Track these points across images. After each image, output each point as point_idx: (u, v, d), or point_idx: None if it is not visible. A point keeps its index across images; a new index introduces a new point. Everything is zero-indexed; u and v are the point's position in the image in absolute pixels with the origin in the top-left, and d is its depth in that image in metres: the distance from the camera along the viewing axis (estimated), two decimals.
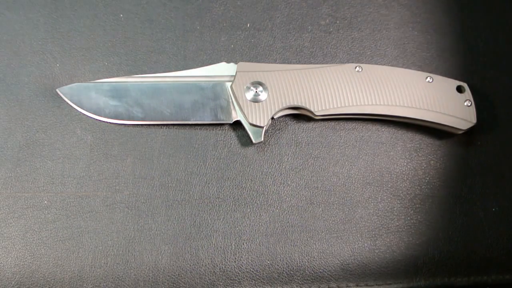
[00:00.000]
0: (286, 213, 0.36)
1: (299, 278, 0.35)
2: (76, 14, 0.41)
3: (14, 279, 0.35)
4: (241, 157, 0.37)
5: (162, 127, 0.38)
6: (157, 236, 0.35)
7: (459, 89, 0.37)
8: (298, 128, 0.38)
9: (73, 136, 0.37)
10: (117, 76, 0.39)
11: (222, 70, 0.38)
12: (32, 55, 0.39)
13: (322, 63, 0.40)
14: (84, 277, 0.35)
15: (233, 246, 0.36)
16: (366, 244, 0.36)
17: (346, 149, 0.38)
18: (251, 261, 0.35)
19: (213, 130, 0.38)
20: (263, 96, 0.37)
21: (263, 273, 0.35)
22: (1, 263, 0.35)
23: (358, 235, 0.36)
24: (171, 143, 0.38)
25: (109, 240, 0.35)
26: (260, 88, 0.37)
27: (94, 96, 0.38)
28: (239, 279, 0.35)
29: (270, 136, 0.38)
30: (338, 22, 0.41)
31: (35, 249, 0.35)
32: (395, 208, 0.37)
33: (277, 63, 0.40)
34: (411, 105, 0.37)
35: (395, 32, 0.41)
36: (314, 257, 0.35)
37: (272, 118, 0.37)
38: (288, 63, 0.40)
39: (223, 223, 0.36)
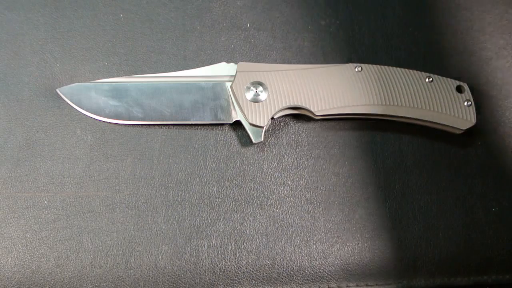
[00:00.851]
0: (286, 213, 0.36)
1: (299, 278, 0.35)
2: (76, 14, 0.41)
3: (14, 279, 0.35)
4: (241, 157, 0.37)
5: (162, 127, 0.38)
6: (157, 236, 0.35)
7: (459, 89, 0.38)
8: (298, 128, 0.38)
9: (73, 136, 0.37)
10: (117, 76, 0.39)
11: (222, 70, 0.38)
12: (32, 55, 0.39)
13: (322, 63, 0.40)
14: (84, 277, 0.35)
15: (233, 246, 0.36)
16: (366, 244, 0.36)
17: (346, 149, 0.38)
18: (251, 261, 0.35)
19: (213, 130, 0.38)
20: (263, 96, 0.37)
21: (263, 273, 0.35)
22: (1, 263, 0.35)
23: (358, 235, 0.36)
24: (171, 143, 0.38)
25: (109, 240, 0.35)
26: (260, 88, 0.37)
27: (94, 96, 0.38)
28: (239, 279, 0.35)
29: (270, 136, 0.38)
30: (338, 22, 0.41)
31: (35, 249, 0.35)
32: (395, 208, 0.37)
33: (277, 63, 0.40)
34: (411, 105, 0.37)
35: (395, 32, 0.41)
36: (314, 257, 0.35)
37: (272, 118, 0.37)
38: (288, 63, 0.40)
39: (223, 223, 0.36)
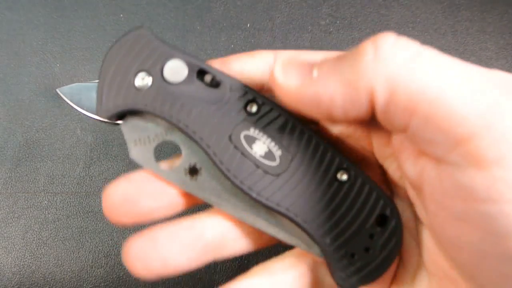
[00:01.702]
0: None
1: None
2: (76, 14, 0.41)
3: (14, 279, 0.35)
4: None
5: None
6: None
7: None
8: None
9: (73, 136, 0.38)
10: None
11: None
12: (32, 55, 0.39)
13: None
14: (84, 277, 0.35)
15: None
16: None
17: None
18: (251, 260, 0.35)
19: None
20: None
21: None
22: (1, 263, 0.35)
23: None
24: (171, 143, 0.38)
25: (109, 240, 0.35)
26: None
27: (94, 96, 0.38)
28: (239, 278, 0.35)
29: None
30: (338, 22, 0.41)
31: (35, 249, 0.35)
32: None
33: None
34: None
35: (395, 32, 0.41)
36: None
37: None
38: None
39: None
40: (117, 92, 0.22)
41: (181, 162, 0.22)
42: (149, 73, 0.22)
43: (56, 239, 0.35)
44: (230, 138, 0.22)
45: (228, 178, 0.22)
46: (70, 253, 0.35)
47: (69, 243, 0.35)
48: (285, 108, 0.21)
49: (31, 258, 0.35)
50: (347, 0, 0.42)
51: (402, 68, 0.18)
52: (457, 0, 0.42)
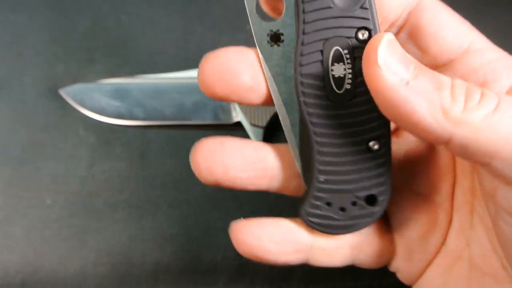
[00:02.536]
0: (287, 212, 0.37)
1: (299, 275, 0.36)
2: (78, 16, 0.41)
3: (18, 277, 0.35)
4: None
5: (163, 127, 0.38)
6: (159, 234, 0.36)
7: None
8: None
9: (76, 136, 0.38)
10: (119, 76, 0.39)
11: None
12: (35, 57, 0.40)
13: None
14: (87, 275, 0.35)
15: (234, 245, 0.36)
16: None
17: None
18: (251, 260, 0.36)
19: (213, 130, 0.38)
20: None
21: (264, 272, 0.36)
22: (4, 261, 0.35)
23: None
24: (173, 143, 0.38)
25: (111, 239, 0.36)
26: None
27: (96, 96, 0.38)
28: (239, 277, 0.35)
29: (270, 136, 0.38)
30: None
31: (38, 247, 0.36)
32: None
33: None
34: None
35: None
36: None
37: (272, 118, 0.37)
38: None
39: (224, 222, 0.36)
40: None
41: (274, 23, 0.22)
42: None
43: (59, 238, 0.36)
44: (325, 41, 0.21)
45: (292, 69, 0.22)
46: (73, 252, 0.35)
47: (71, 242, 0.36)
48: None
49: (34, 257, 0.35)
50: None
51: (487, 123, 0.19)
52: (453, 3, 0.43)
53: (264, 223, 0.24)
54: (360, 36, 0.21)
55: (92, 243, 0.36)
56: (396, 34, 0.23)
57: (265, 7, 0.24)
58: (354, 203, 0.23)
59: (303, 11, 0.21)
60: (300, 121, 0.23)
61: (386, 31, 0.23)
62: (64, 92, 0.38)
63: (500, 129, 0.19)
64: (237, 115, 0.38)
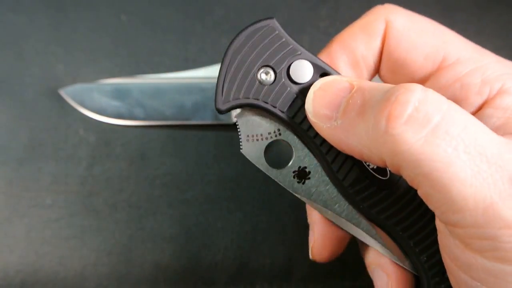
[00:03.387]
0: (287, 212, 0.37)
1: (299, 276, 0.36)
2: (78, 16, 0.41)
3: (18, 277, 0.35)
4: (241, 157, 0.38)
5: (164, 127, 0.38)
6: (159, 235, 0.36)
7: None
8: None
9: (76, 136, 0.38)
10: (119, 77, 0.39)
11: None
12: (35, 57, 0.40)
13: None
14: (87, 275, 0.35)
15: (234, 245, 0.36)
16: None
17: None
18: (251, 259, 0.36)
19: (213, 130, 0.38)
20: None
21: (263, 271, 0.36)
22: (5, 261, 0.35)
23: None
24: (172, 143, 0.38)
25: (111, 239, 0.36)
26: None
27: (96, 96, 0.38)
28: (239, 277, 0.36)
29: None
30: (337, 24, 0.42)
31: (39, 247, 0.36)
32: None
33: None
34: None
35: None
36: None
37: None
38: None
39: (224, 222, 0.36)
40: (240, 84, 0.22)
41: (291, 164, 0.23)
42: (274, 69, 0.21)
43: (59, 238, 0.36)
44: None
45: (340, 186, 0.22)
46: (73, 252, 0.35)
47: (72, 242, 0.36)
48: None
49: (34, 257, 0.35)
50: (346, 2, 0.42)
51: (412, 148, 0.18)
52: (454, 2, 0.43)
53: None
54: None
55: (92, 243, 0.36)
56: (380, 71, 0.24)
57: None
58: None
59: (314, 136, 0.21)
60: (371, 224, 0.23)
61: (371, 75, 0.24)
62: (64, 92, 0.38)
63: (424, 164, 0.18)
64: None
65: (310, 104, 0.20)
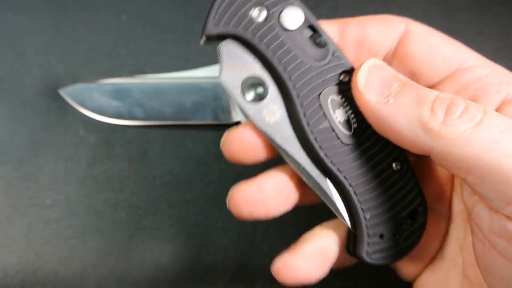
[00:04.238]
0: (286, 212, 0.37)
1: None
2: (78, 16, 0.41)
3: (17, 277, 0.35)
4: None
5: (163, 127, 0.38)
6: (159, 235, 0.36)
7: None
8: None
9: (76, 136, 0.38)
10: (119, 77, 0.39)
11: None
12: (35, 57, 0.40)
13: None
14: (87, 275, 0.35)
15: (234, 244, 0.36)
16: None
17: None
18: (252, 259, 0.36)
19: (214, 130, 0.39)
20: (263, 96, 0.37)
21: (263, 271, 0.36)
22: (4, 261, 0.35)
23: None
24: (172, 143, 0.38)
25: (111, 239, 0.36)
26: (261, 89, 0.37)
27: (96, 96, 0.38)
28: (239, 277, 0.36)
29: None
30: None
31: (38, 247, 0.36)
32: None
33: None
34: None
35: None
36: None
37: None
38: None
39: (224, 222, 0.36)
40: (232, 14, 0.23)
41: (263, 102, 0.25)
42: (268, 9, 0.23)
43: (59, 238, 0.36)
44: (319, 96, 0.23)
45: (303, 132, 0.23)
46: (73, 252, 0.35)
47: (71, 242, 0.36)
48: None
49: (34, 257, 0.35)
50: (345, 1, 0.42)
51: (462, 138, 0.19)
52: (454, 2, 0.43)
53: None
54: (344, 79, 0.23)
55: (92, 243, 0.36)
56: (389, 64, 0.25)
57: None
58: (401, 225, 0.24)
59: (289, 79, 0.23)
60: (325, 173, 0.24)
61: None
62: (64, 92, 0.38)
63: (475, 145, 0.19)
64: (237, 115, 0.38)
65: (364, 76, 0.22)
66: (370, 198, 0.24)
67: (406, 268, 0.27)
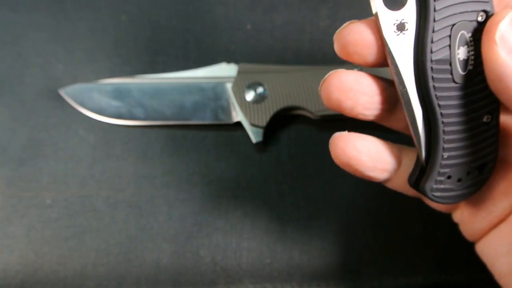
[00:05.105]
0: (286, 212, 0.37)
1: (298, 276, 0.36)
2: (78, 16, 0.41)
3: (17, 277, 0.35)
4: (241, 157, 0.38)
5: (164, 127, 0.38)
6: (158, 234, 0.36)
7: None
8: (298, 128, 0.39)
9: (76, 136, 0.38)
10: (119, 76, 0.39)
11: (222, 71, 0.39)
12: (35, 56, 0.40)
13: (322, 64, 0.40)
14: (87, 275, 0.35)
15: (234, 244, 0.36)
16: (364, 242, 0.36)
17: None
18: (251, 259, 0.36)
19: (213, 130, 0.39)
20: (263, 96, 0.37)
21: (263, 271, 0.36)
22: (4, 261, 0.35)
23: (358, 233, 0.36)
24: (172, 143, 0.38)
25: (111, 239, 0.36)
26: (261, 89, 0.37)
27: (96, 96, 0.38)
28: (239, 277, 0.35)
29: (270, 136, 0.38)
30: (337, 24, 0.42)
31: (38, 247, 0.36)
32: (393, 206, 0.37)
33: (277, 64, 0.40)
34: None
35: None
36: (314, 256, 0.36)
37: (272, 118, 0.38)
38: (288, 65, 0.40)
39: (224, 222, 0.36)
40: None
41: (399, 12, 0.23)
42: None
43: (58, 238, 0.36)
44: (452, 27, 0.23)
45: (424, 57, 0.23)
46: (73, 252, 0.35)
47: (71, 242, 0.36)
48: None
49: (34, 257, 0.35)
50: (346, 1, 0.42)
51: None
52: None
53: (364, 138, 0.26)
54: (479, 18, 0.23)
55: (92, 243, 0.36)
56: None
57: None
58: (468, 173, 0.25)
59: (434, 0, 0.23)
60: (424, 104, 0.24)
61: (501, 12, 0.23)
62: (64, 92, 0.38)
63: None
64: (237, 115, 0.38)
65: (505, 27, 0.20)
66: (453, 140, 0.24)
67: (473, 223, 0.26)
